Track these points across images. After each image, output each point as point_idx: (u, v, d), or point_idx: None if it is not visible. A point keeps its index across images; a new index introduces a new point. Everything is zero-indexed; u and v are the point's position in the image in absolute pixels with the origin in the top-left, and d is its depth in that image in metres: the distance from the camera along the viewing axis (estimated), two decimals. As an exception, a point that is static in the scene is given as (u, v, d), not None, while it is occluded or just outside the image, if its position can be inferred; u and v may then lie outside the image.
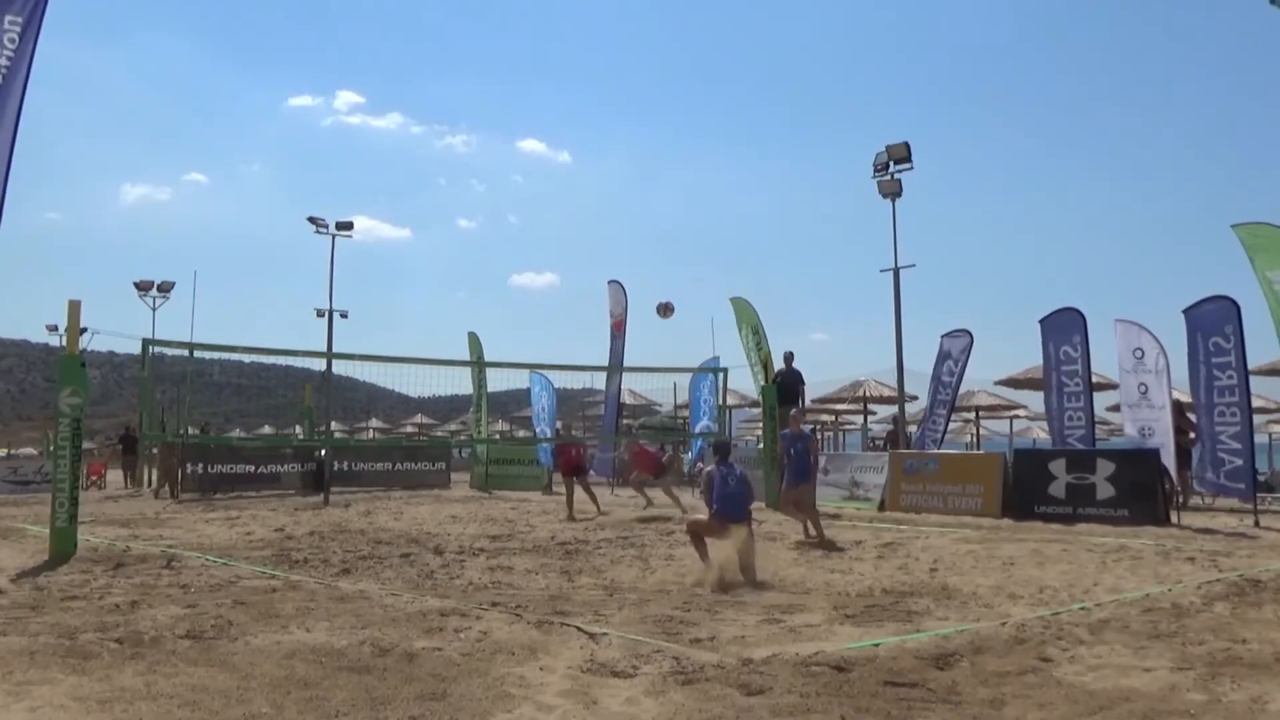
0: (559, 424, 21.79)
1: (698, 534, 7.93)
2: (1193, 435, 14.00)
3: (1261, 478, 18.14)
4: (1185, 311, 13.15)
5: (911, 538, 10.70)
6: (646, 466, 14.99)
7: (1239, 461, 12.65)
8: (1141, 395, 13.70)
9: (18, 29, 2.66)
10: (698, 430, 22.42)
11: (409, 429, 48.15)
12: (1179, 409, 14.22)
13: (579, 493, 14.95)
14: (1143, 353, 13.68)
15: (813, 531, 10.74)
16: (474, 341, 23.76)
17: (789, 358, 16.90)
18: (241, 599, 6.94)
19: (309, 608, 6.59)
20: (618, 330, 21.67)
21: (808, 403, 19.21)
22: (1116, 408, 21.00)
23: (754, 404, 22.82)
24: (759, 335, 17.32)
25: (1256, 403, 16.00)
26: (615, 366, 21.07)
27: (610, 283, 22.19)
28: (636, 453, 15.35)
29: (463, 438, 38.97)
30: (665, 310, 17.90)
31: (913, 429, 21.59)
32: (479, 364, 22.22)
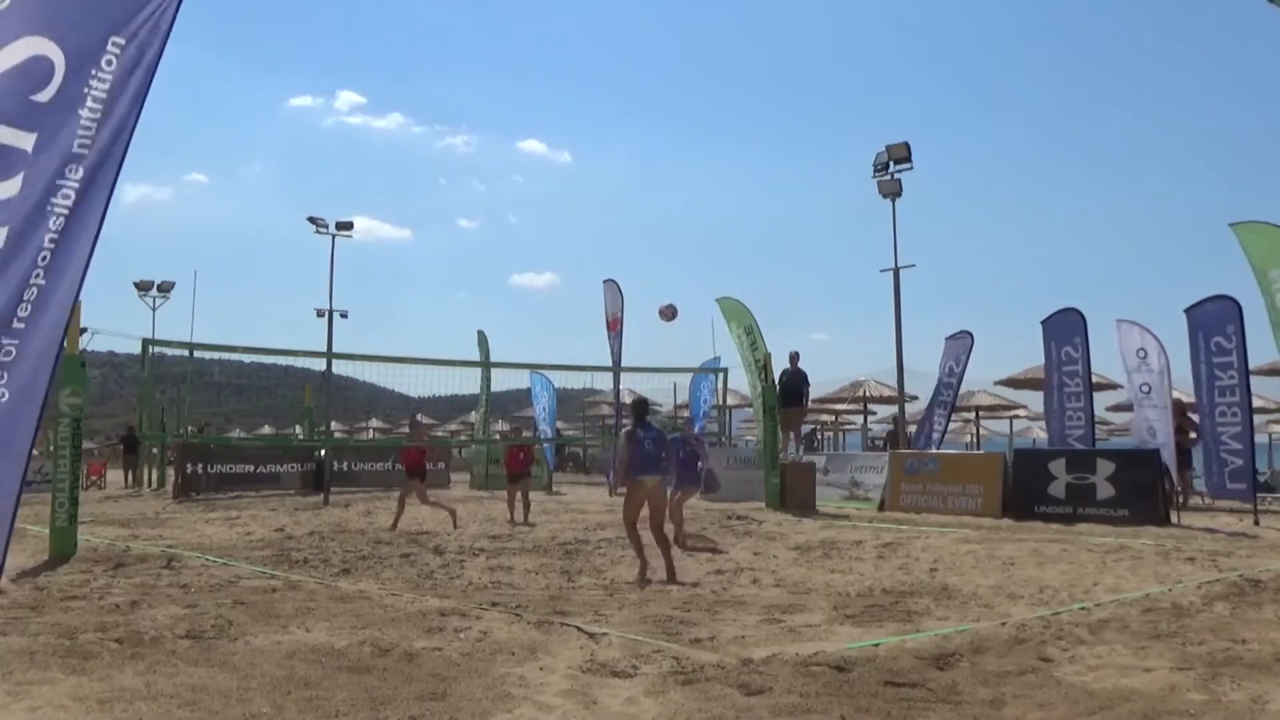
0: (421, 419, 20.85)
1: (631, 524, 8.30)
2: (1193, 435, 14.02)
3: (1261, 478, 18.16)
4: (1187, 311, 13.15)
5: (911, 538, 10.70)
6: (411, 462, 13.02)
7: (1239, 461, 12.67)
8: (1144, 395, 13.72)
9: (119, 51, 2.58)
10: (697, 430, 22.44)
11: (409, 429, 48.14)
12: (1180, 408, 14.24)
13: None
14: (1145, 353, 13.69)
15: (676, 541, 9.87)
16: (482, 340, 23.89)
17: (794, 358, 16.86)
18: (241, 599, 6.94)
19: (309, 608, 6.59)
20: (612, 330, 21.67)
21: (809, 403, 19.17)
22: (1116, 408, 20.95)
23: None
24: (753, 335, 17.29)
25: (1256, 403, 15.99)
26: (615, 366, 21.08)
27: (606, 282, 22.17)
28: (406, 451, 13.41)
29: (463, 437, 38.98)
30: (668, 313, 17.59)
31: (913, 429, 21.60)
32: (477, 364, 22.24)
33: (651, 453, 8.24)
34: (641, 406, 8.73)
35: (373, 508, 15.96)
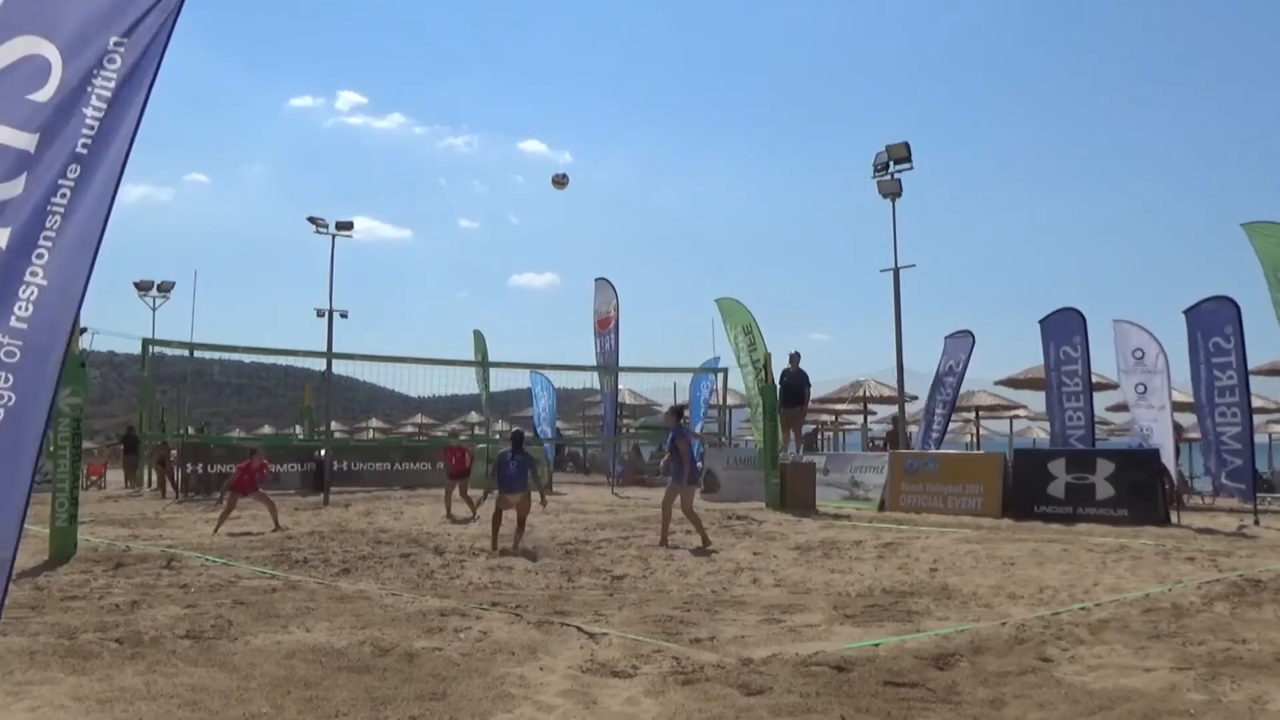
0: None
1: (495, 520, 10.22)
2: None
3: (1263, 477, 18.17)
4: (1186, 312, 13.16)
5: (911, 538, 10.70)
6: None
7: (1239, 461, 12.67)
8: (1140, 395, 13.73)
9: (122, 50, 2.59)
10: (697, 430, 22.39)
11: (409, 429, 48.17)
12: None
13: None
14: (1142, 353, 13.71)
15: (697, 540, 10.23)
16: (479, 340, 23.81)
17: (795, 358, 16.82)
18: (241, 599, 6.94)
19: (309, 608, 6.59)
20: (603, 328, 21.46)
21: (809, 403, 19.13)
22: (1116, 408, 20.95)
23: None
24: (752, 335, 17.26)
25: (1256, 403, 16.01)
26: (614, 366, 21.02)
27: (598, 280, 21.95)
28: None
29: (463, 438, 38.95)
30: (559, 181, 17.40)
31: (913, 429, 21.59)
32: (477, 364, 22.22)
33: (514, 474, 10.28)
34: (518, 437, 11.03)
35: (373, 508, 15.95)
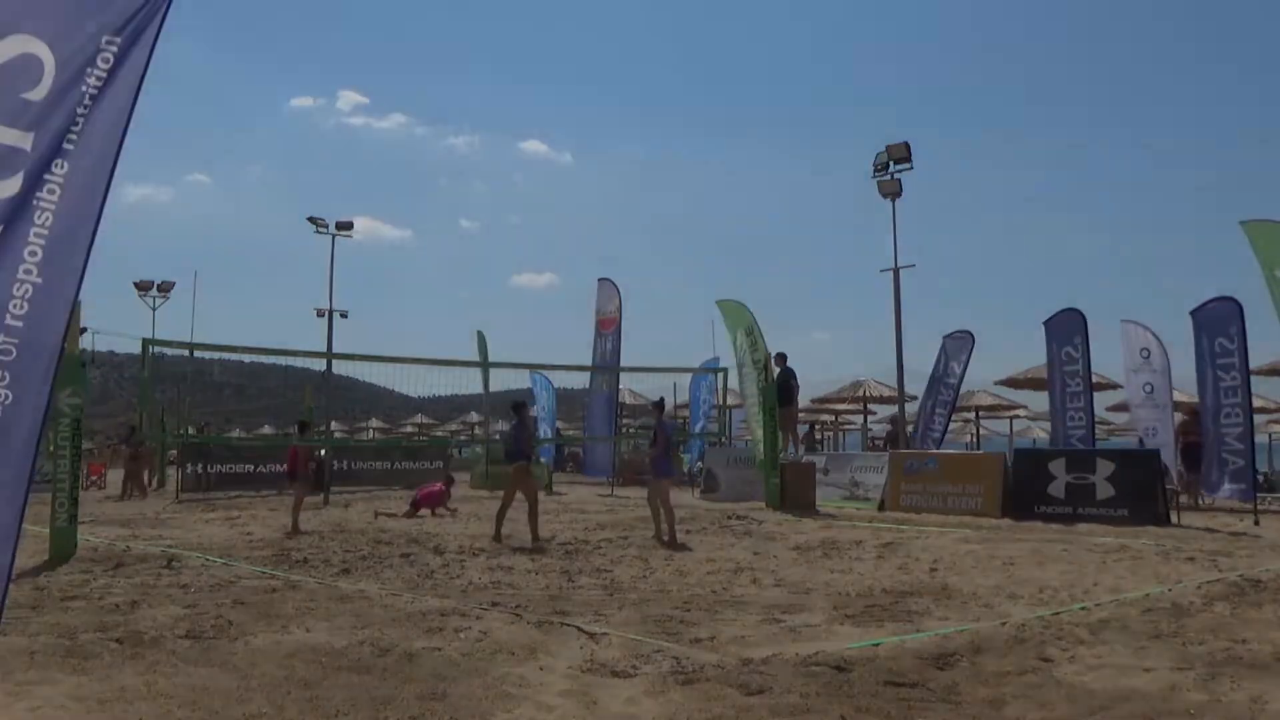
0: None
1: (503, 506, 11.28)
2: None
3: (1260, 477, 18.17)
4: (1192, 313, 13.18)
5: (911, 538, 10.70)
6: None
7: (1240, 461, 12.69)
8: (1147, 395, 13.75)
9: (114, 49, 2.59)
10: (697, 430, 22.41)
11: (409, 429, 48.20)
12: (1190, 410, 14.31)
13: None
14: (1149, 353, 13.76)
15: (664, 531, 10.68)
16: (481, 341, 23.77)
17: (781, 358, 16.83)
18: (241, 599, 6.94)
19: (309, 608, 6.59)
20: (605, 328, 21.39)
21: (803, 402, 19.08)
22: (1116, 408, 20.99)
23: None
24: (754, 336, 17.26)
25: (1257, 403, 16.01)
26: (615, 366, 21.00)
27: (601, 280, 21.91)
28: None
29: (463, 438, 38.99)
30: None
31: (913, 429, 21.58)
32: (477, 364, 22.18)
33: (515, 450, 11.40)
34: (518, 405, 12.02)
35: (373, 507, 15.95)
